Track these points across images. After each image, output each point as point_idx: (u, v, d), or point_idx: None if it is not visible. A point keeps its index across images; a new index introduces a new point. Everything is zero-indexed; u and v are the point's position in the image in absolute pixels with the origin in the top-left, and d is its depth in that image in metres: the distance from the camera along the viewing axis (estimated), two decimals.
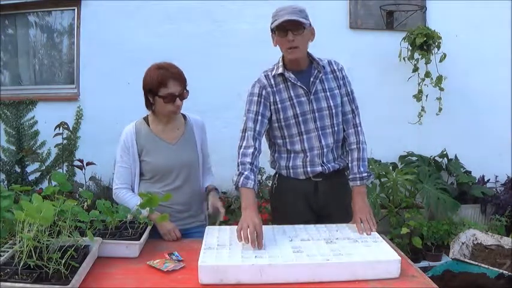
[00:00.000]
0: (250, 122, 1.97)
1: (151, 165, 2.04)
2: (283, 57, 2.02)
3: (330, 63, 2.08)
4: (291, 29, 1.88)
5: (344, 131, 2.09)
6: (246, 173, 1.86)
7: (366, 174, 2.02)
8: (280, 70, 2.00)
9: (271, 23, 1.93)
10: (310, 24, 1.95)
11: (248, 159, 1.89)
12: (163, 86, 1.94)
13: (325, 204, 2.08)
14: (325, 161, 2.04)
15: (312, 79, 2.01)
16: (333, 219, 1.98)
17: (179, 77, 1.98)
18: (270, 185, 3.76)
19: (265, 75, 2.04)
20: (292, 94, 2.00)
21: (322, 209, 2.09)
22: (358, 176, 2.02)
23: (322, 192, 2.07)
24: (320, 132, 2.02)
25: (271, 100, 2.00)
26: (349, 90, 2.08)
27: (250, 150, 1.91)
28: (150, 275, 1.54)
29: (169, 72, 1.96)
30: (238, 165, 1.91)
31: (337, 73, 2.07)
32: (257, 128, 1.96)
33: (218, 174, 2.28)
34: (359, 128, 2.08)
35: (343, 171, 2.14)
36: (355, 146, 2.06)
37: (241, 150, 1.93)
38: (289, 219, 2.03)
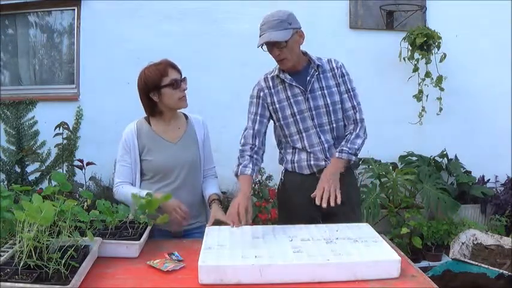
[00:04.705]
0: (250, 122, 2.11)
1: (153, 164, 2.04)
2: None
3: (329, 61, 2.12)
4: (274, 45, 1.95)
5: (345, 126, 2.11)
6: (244, 162, 2.02)
7: (348, 150, 2.01)
8: (277, 72, 2.08)
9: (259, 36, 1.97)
10: (296, 29, 1.97)
11: (247, 153, 2.04)
12: (165, 76, 1.98)
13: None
14: (328, 156, 2.07)
15: (308, 78, 2.06)
16: (339, 217, 1.96)
17: (174, 65, 2.04)
18: (270, 185, 3.82)
19: (264, 78, 2.13)
20: (289, 94, 2.07)
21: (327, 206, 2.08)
22: (340, 148, 2.03)
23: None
24: (318, 129, 2.06)
25: (269, 101, 2.10)
26: (349, 87, 2.11)
27: (248, 146, 2.06)
28: (150, 275, 1.54)
29: (164, 62, 2.02)
30: (238, 159, 2.06)
31: (336, 71, 2.10)
32: (256, 127, 2.09)
33: (217, 174, 2.27)
34: (359, 124, 2.09)
35: (349, 170, 2.15)
36: (349, 133, 2.08)
37: (240, 147, 2.09)
38: (294, 216, 2.05)
